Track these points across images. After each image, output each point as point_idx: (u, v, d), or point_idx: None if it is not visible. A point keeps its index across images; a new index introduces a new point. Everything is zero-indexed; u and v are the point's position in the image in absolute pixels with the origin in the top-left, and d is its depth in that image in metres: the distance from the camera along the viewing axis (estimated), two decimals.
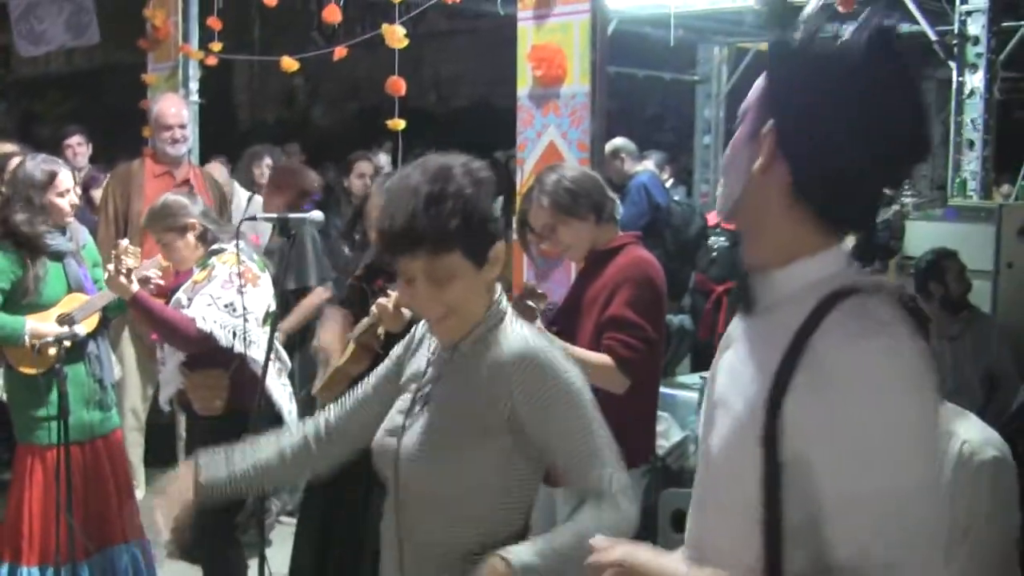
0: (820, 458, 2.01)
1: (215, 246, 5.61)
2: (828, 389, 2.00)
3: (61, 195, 5.84)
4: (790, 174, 2.14)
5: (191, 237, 5.64)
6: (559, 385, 2.92)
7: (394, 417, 3.15)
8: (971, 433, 3.67)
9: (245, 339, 5.35)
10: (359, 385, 3.38)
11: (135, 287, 5.42)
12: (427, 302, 2.95)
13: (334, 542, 5.54)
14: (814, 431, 2.02)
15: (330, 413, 3.37)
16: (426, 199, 2.83)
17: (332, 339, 5.67)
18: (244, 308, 5.26)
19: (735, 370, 2.22)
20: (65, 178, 5.88)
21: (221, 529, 5.55)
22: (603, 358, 4.62)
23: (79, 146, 10.14)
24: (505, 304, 3.08)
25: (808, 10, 2.13)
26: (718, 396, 2.24)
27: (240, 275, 5.37)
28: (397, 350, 3.31)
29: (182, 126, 8.06)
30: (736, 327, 2.31)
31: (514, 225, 5.21)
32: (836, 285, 2.09)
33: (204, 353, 5.42)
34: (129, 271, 5.42)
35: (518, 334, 3.00)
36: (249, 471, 3.36)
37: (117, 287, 5.46)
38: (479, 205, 2.90)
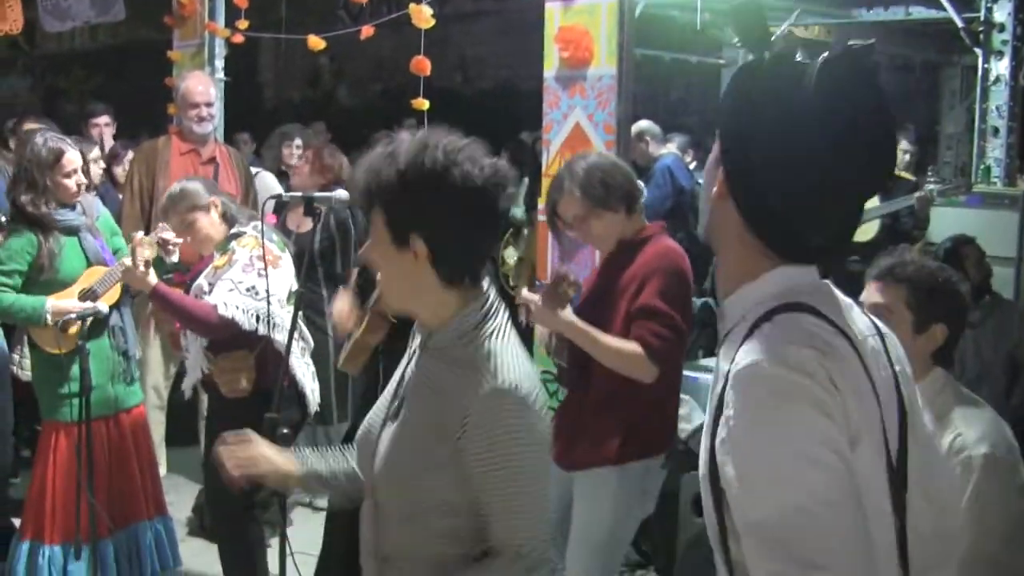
0: (726, 484, 2.09)
1: (235, 230, 5.61)
2: (729, 416, 2.07)
3: (67, 175, 5.82)
4: (739, 202, 2.15)
5: (215, 215, 5.66)
6: (513, 438, 2.75)
7: (376, 413, 3.10)
8: (969, 428, 3.66)
9: (269, 321, 5.36)
10: None
11: (153, 279, 5.43)
12: (368, 256, 2.96)
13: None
14: (723, 456, 2.08)
15: None
16: (388, 152, 2.82)
17: (343, 309, 5.69)
18: (267, 290, 5.27)
19: (708, 405, 2.26)
20: (73, 158, 5.85)
21: (241, 507, 5.58)
22: (634, 347, 4.65)
23: (106, 126, 10.15)
24: (491, 321, 2.91)
25: (777, 34, 2.11)
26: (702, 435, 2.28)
27: (261, 257, 5.38)
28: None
29: (208, 104, 8.06)
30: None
31: (543, 211, 5.20)
32: (776, 303, 2.12)
33: (227, 336, 5.44)
34: (147, 263, 5.43)
35: (499, 362, 2.82)
36: (340, 476, 3.31)
37: (136, 281, 5.47)
38: (423, 181, 2.79)
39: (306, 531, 6.05)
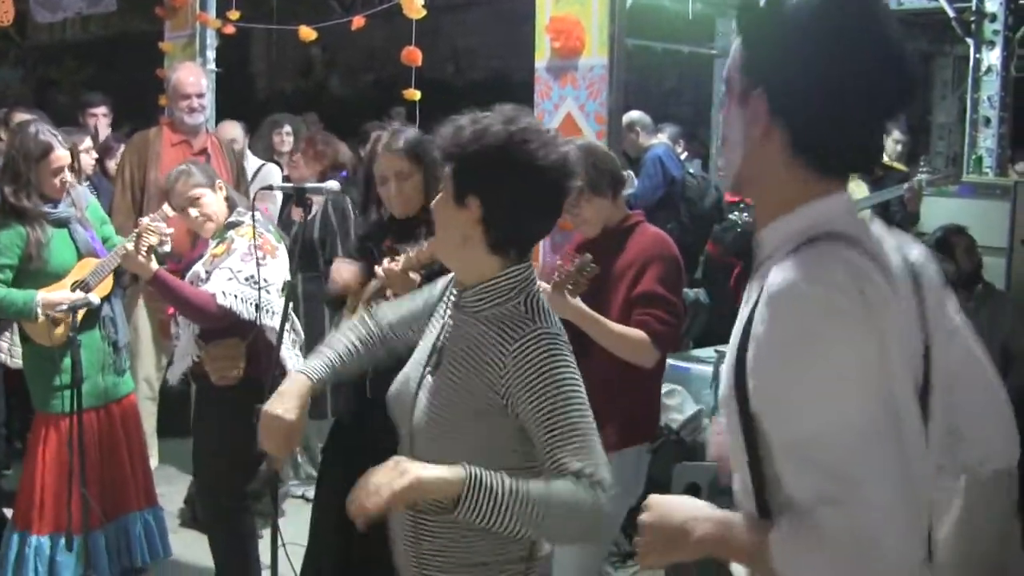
0: (760, 404, 2.12)
1: (232, 218, 5.60)
2: (761, 335, 2.10)
3: (53, 173, 5.76)
4: (788, 132, 2.19)
5: (221, 194, 5.65)
6: (556, 373, 2.90)
7: (413, 367, 3.20)
8: None
9: (265, 310, 5.35)
10: (411, 297, 3.53)
11: (154, 265, 5.40)
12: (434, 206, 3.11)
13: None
14: (757, 378, 2.12)
15: (388, 314, 3.50)
16: (478, 117, 3.01)
17: (351, 277, 5.59)
18: (264, 280, 5.27)
19: (734, 330, 2.28)
20: (61, 155, 5.79)
21: (233, 497, 5.57)
22: (638, 333, 4.74)
23: (103, 116, 10.14)
24: (527, 287, 3.06)
25: None
26: (726, 356, 2.31)
27: (260, 247, 5.37)
28: (438, 286, 3.41)
29: (200, 95, 8.04)
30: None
31: None
32: (814, 232, 2.17)
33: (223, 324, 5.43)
34: (150, 249, 5.41)
35: (537, 314, 3.00)
36: (345, 363, 3.42)
37: (136, 266, 5.43)
38: (491, 148, 2.96)
39: (298, 522, 6.03)
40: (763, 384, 2.11)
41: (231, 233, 5.53)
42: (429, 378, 3.09)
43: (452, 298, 3.20)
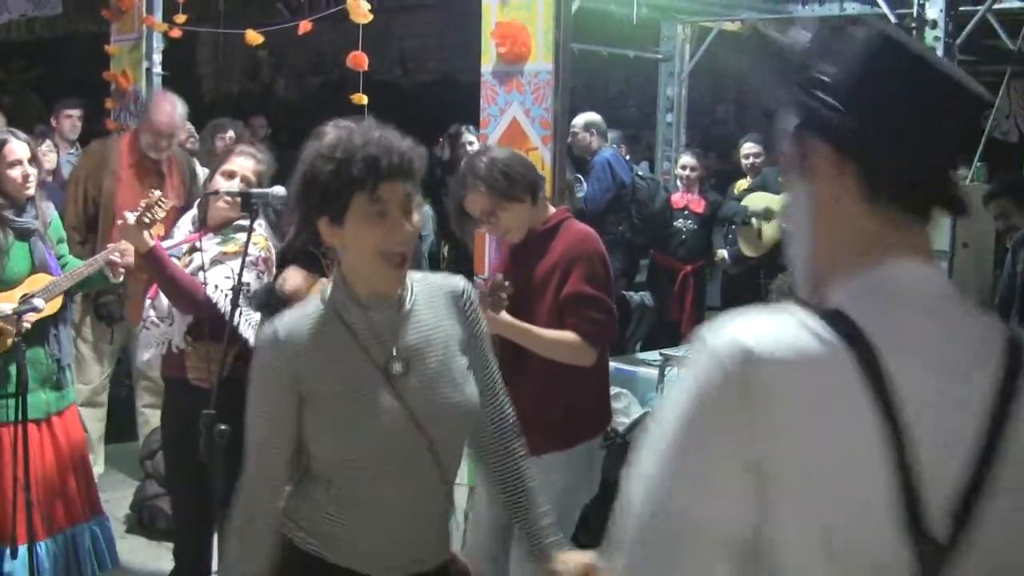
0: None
1: (243, 222, 5.30)
2: None
3: (11, 166, 5.68)
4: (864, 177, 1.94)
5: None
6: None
7: (381, 404, 3.13)
8: None
9: (245, 320, 5.29)
10: (273, 428, 3.23)
11: (151, 241, 5.22)
12: (401, 233, 3.08)
13: None
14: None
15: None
16: (403, 136, 3.10)
17: (301, 282, 5.50)
18: (237, 286, 5.22)
19: None
20: (16, 148, 5.70)
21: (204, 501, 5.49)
22: (572, 335, 4.78)
23: (78, 119, 10.13)
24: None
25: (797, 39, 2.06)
26: None
27: (266, 260, 5.35)
28: (276, 373, 3.18)
29: (172, 136, 7.97)
30: None
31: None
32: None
33: (213, 325, 5.19)
34: (153, 222, 5.28)
35: (440, 275, 3.43)
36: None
37: (136, 238, 5.23)
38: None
39: None
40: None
41: (242, 237, 5.35)
42: (408, 379, 3.15)
43: (374, 318, 3.17)
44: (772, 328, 1.85)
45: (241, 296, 5.26)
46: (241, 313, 5.28)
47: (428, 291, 3.27)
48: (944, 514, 1.77)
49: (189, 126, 9.66)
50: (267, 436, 3.17)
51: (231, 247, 5.32)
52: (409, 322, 3.19)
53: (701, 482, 1.79)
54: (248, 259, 5.27)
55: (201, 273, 5.27)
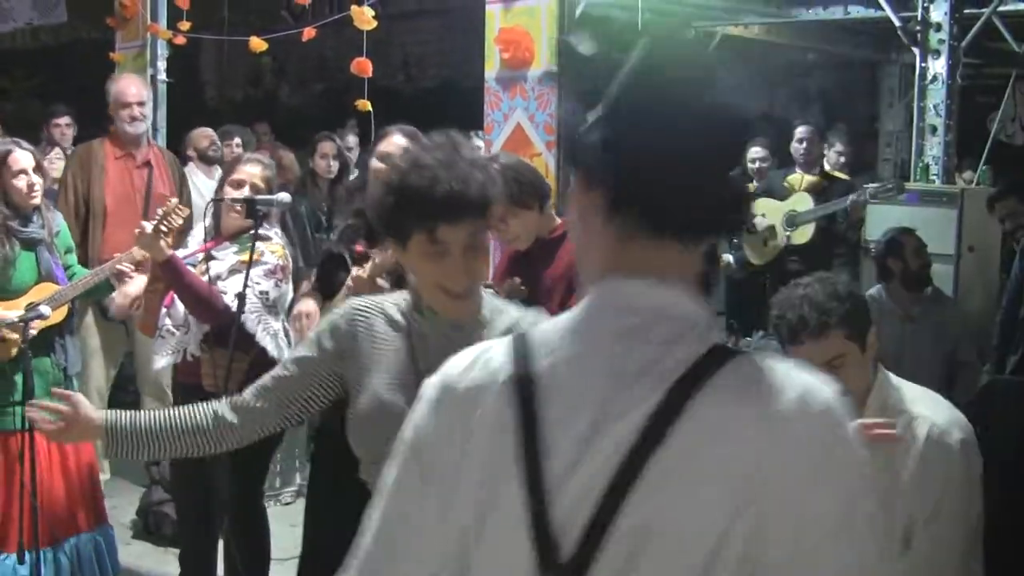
0: None
1: (260, 231, 5.30)
2: None
3: (16, 175, 5.70)
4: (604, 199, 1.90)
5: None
6: None
7: (396, 389, 3.17)
8: (939, 415, 3.69)
9: (263, 329, 5.28)
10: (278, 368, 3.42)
11: (168, 249, 5.26)
12: (461, 273, 3.03)
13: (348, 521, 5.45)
14: None
15: (243, 393, 3.40)
16: (477, 167, 3.05)
17: (313, 309, 5.50)
18: (274, 301, 5.30)
19: None
20: (21, 157, 5.74)
21: (247, 498, 5.49)
22: None
23: (67, 127, 10.13)
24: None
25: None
26: None
27: (284, 268, 5.36)
28: (330, 339, 3.30)
29: (140, 103, 8.00)
30: None
31: None
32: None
33: (230, 333, 5.15)
34: (171, 231, 5.29)
35: (508, 305, 3.27)
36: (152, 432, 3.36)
37: (152, 247, 5.25)
38: (497, 179, 3.12)
39: (280, 528, 5.97)
40: None
41: (261, 245, 5.34)
42: None
43: (423, 335, 3.20)
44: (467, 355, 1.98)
45: (261, 304, 5.28)
46: (260, 321, 5.29)
47: (489, 322, 3.18)
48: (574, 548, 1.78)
49: (210, 132, 9.70)
50: None
51: (248, 256, 5.26)
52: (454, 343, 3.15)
53: None
54: (267, 267, 5.31)
55: (219, 282, 5.29)
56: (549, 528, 1.79)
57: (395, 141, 5.20)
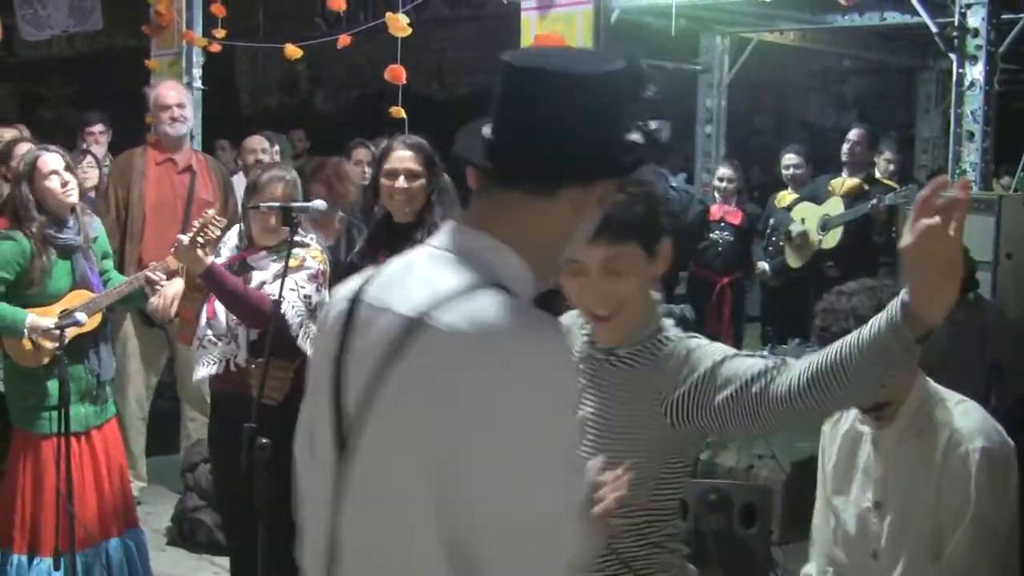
0: None
1: (298, 238, 5.30)
2: None
3: (47, 177, 5.71)
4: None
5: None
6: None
7: None
8: (963, 423, 3.67)
9: (305, 334, 5.28)
10: None
11: (208, 259, 5.24)
12: (599, 296, 2.93)
13: None
14: None
15: None
16: (648, 193, 2.99)
17: None
18: (316, 306, 5.29)
19: None
20: (49, 160, 5.74)
21: (284, 508, 5.45)
22: None
23: (101, 134, 10.14)
24: (659, 310, 3.08)
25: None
26: None
27: (324, 273, 5.39)
28: None
29: (180, 105, 8.02)
30: None
31: None
32: None
33: (278, 342, 5.09)
34: (208, 242, 5.27)
35: (681, 335, 3.09)
36: None
37: (191, 258, 5.24)
38: (656, 193, 3.03)
39: None
40: None
41: (301, 252, 5.36)
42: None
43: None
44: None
45: (305, 307, 5.30)
46: (303, 326, 5.30)
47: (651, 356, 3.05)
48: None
49: (263, 140, 9.63)
50: None
51: (292, 261, 5.26)
52: (605, 374, 3.05)
53: None
54: (310, 271, 5.34)
55: (265, 286, 5.29)
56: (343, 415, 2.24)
57: (399, 155, 5.26)
